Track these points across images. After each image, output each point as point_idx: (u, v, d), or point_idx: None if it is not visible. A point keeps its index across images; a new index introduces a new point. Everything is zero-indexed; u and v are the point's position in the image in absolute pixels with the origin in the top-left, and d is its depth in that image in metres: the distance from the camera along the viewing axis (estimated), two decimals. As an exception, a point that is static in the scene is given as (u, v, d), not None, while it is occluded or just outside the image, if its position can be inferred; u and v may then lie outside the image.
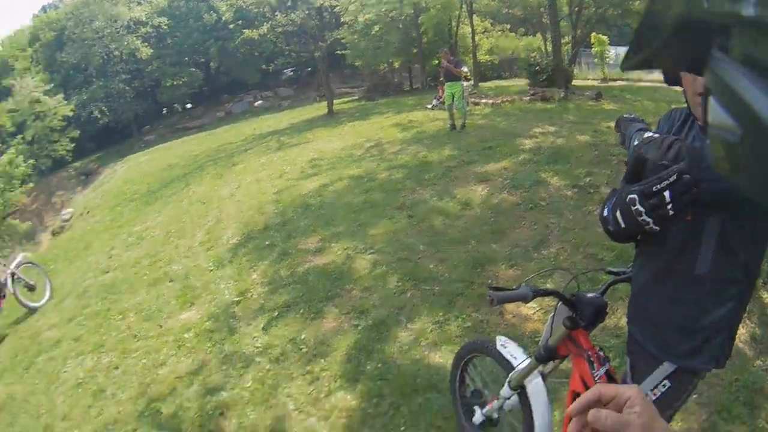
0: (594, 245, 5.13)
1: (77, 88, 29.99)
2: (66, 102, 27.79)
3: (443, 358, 4.04)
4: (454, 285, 4.98)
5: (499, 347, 2.51)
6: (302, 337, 4.63)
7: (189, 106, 34.03)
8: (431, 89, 24.19)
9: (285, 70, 34.21)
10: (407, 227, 6.42)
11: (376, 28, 23.63)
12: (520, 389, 2.31)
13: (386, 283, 5.25)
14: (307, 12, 17.99)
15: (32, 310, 7.60)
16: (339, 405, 3.78)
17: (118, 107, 30.65)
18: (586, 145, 8.79)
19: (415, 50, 25.55)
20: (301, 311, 5.05)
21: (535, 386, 2.28)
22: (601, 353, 1.97)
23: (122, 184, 16.75)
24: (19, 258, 8.15)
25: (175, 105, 33.43)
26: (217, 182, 11.19)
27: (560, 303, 2.02)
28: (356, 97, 26.75)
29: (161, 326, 5.53)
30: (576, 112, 12.87)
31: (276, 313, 5.11)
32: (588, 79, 22.40)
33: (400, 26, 24.06)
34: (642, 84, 22.04)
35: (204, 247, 7.40)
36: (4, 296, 7.51)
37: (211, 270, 6.53)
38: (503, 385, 2.41)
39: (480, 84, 23.17)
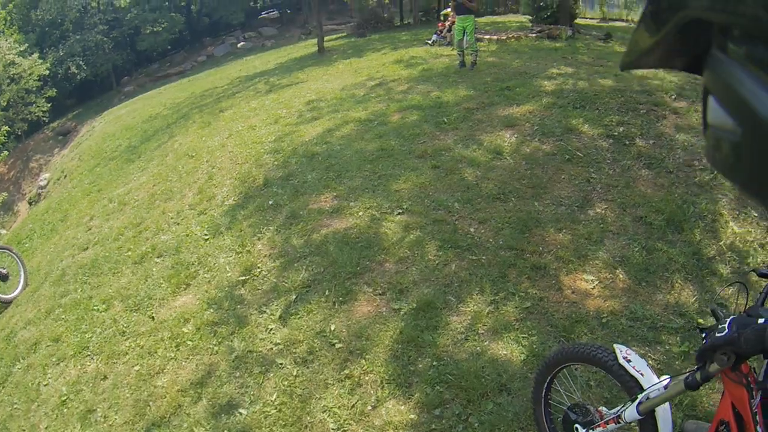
0: (641, 206, 4.66)
1: (53, 46, 28.23)
2: (42, 61, 26.10)
3: (507, 348, 3.36)
4: (503, 253, 4.26)
5: (621, 361, 2.10)
6: (332, 328, 3.80)
7: (169, 50, 32.27)
8: (424, 24, 22.99)
9: (268, 12, 32.39)
10: (435, 180, 5.53)
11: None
12: (646, 416, 2.02)
13: (424, 252, 4.40)
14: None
15: (5, 303, 6.70)
16: (393, 420, 3.01)
17: (96, 60, 28.86)
18: (609, 90, 7.91)
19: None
20: (326, 293, 4.18)
21: (665, 412, 2.00)
22: (758, 382, 1.77)
23: (101, 141, 15.30)
24: (-12, 243, 7.16)
25: (155, 52, 31.42)
26: (205, 131, 9.98)
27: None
28: (344, 34, 25.18)
29: (153, 318, 4.62)
30: (588, 52, 11.90)
31: (294, 296, 4.23)
32: (586, 18, 21.49)
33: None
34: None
35: (196, 211, 6.39)
36: None
37: (207, 239, 5.58)
38: (624, 406, 2.09)
39: (480, 20, 21.98)
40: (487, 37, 14.45)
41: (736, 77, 0.47)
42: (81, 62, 28.06)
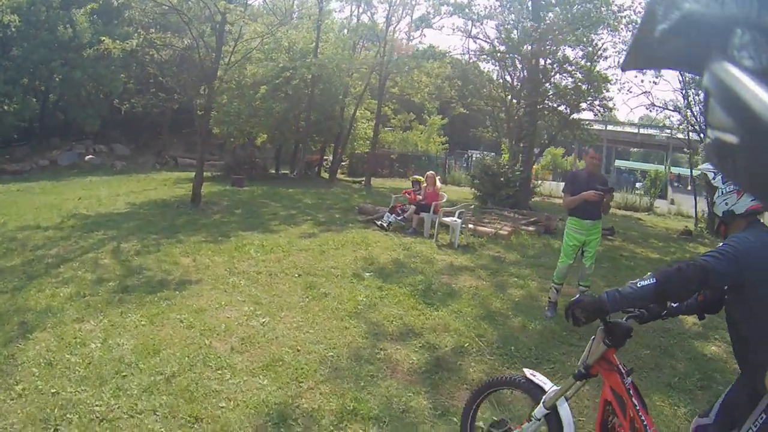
0: None
1: None
2: None
3: None
4: None
5: (529, 377, 2.67)
6: None
7: (14, 140, 24.58)
8: (308, 181, 19.07)
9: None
10: None
11: (263, 89, 17.07)
12: (551, 410, 2.47)
13: None
14: (205, 33, 10.70)
15: None
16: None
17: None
18: None
19: (293, 127, 19.50)
20: None
21: (565, 407, 2.48)
22: (625, 367, 2.34)
23: None
24: None
25: (-1, 138, 23.73)
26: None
27: (600, 328, 2.29)
28: (210, 174, 19.68)
29: None
30: (629, 262, 8.79)
31: None
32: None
33: (290, 93, 17.78)
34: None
35: None
36: None
37: None
38: (532, 410, 2.53)
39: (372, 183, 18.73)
40: (471, 226, 9.86)
41: (736, 78, 0.46)
42: None
